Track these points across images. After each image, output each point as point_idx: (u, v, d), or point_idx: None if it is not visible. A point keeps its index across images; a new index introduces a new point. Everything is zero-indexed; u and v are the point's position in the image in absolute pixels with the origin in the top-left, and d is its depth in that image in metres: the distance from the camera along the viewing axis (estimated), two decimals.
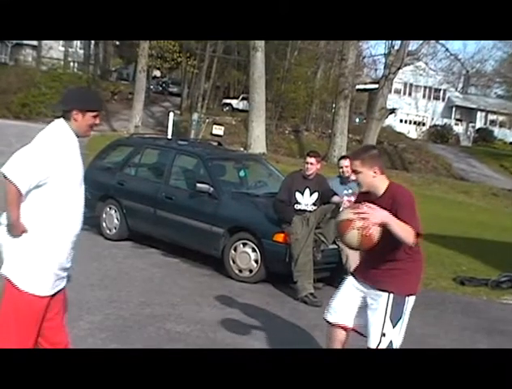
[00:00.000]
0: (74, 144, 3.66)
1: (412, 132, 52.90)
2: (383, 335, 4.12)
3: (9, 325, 3.55)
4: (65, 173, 3.55)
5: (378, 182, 4.17)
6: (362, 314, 4.28)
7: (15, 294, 3.54)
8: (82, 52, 51.37)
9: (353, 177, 4.35)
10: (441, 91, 57.94)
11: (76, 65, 50.09)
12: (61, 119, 3.65)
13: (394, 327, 4.12)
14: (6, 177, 3.43)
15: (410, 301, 4.19)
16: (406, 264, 4.13)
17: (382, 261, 4.14)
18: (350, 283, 4.40)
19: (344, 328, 4.38)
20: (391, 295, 4.10)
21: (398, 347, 4.15)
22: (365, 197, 4.22)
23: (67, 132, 3.62)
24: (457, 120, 56.86)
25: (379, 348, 4.14)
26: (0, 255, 3.60)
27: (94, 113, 3.64)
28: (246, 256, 7.75)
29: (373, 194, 4.18)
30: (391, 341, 4.12)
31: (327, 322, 4.47)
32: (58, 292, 3.72)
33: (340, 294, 4.45)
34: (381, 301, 4.14)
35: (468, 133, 55.58)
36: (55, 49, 48.60)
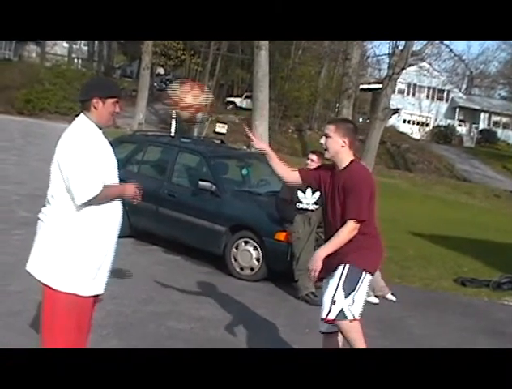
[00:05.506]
0: (100, 137, 3.59)
1: (415, 132, 52.82)
2: (333, 302, 4.13)
3: (60, 328, 3.52)
4: (102, 167, 3.51)
5: (343, 155, 4.21)
6: None
7: (61, 297, 3.51)
8: (86, 48, 51.46)
9: (322, 140, 4.32)
10: (445, 92, 57.87)
11: (80, 61, 50.14)
12: (81, 115, 3.57)
13: (346, 297, 4.11)
14: (84, 203, 3.42)
15: (366, 277, 4.19)
16: (360, 241, 4.12)
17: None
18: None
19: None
20: (347, 265, 4.13)
21: (351, 319, 4.11)
22: (327, 168, 4.35)
23: (91, 126, 3.54)
24: (460, 121, 56.79)
25: (329, 317, 4.15)
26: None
27: (114, 100, 3.57)
28: (248, 254, 7.76)
29: (336, 166, 4.24)
30: (342, 309, 4.09)
31: (320, 332, 4.51)
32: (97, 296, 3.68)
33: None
34: (336, 272, 4.16)
35: (471, 134, 55.54)
36: (59, 45, 48.66)
